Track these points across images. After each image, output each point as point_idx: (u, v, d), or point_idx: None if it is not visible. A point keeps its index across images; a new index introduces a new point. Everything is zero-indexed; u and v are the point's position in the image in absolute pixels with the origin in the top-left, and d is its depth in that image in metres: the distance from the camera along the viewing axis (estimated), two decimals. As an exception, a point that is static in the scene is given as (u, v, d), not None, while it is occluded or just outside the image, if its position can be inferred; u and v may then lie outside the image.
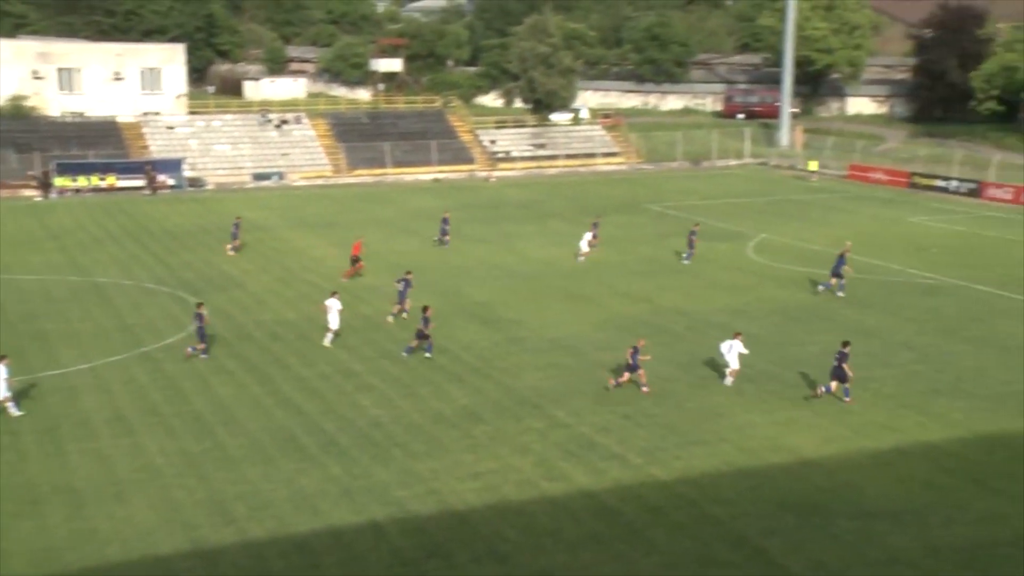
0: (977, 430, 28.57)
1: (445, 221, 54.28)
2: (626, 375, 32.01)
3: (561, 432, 28.92)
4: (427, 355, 35.27)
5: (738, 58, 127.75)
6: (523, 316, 40.51)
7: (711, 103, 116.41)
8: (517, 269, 48.68)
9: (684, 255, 50.32)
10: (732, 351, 32.23)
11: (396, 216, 63.49)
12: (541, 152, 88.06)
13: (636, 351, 31.86)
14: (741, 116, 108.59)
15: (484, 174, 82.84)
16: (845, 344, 31.43)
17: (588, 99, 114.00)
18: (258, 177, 78.32)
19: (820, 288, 43.87)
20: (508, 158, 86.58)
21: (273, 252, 52.23)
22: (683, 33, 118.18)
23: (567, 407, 30.75)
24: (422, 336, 35.30)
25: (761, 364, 34.35)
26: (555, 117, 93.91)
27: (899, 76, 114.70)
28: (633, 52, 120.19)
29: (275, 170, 79.61)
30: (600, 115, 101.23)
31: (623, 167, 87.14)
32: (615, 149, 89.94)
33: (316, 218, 62.32)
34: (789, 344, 36.55)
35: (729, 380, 32.50)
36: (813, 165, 78.65)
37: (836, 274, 43.45)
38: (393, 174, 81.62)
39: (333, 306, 36.76)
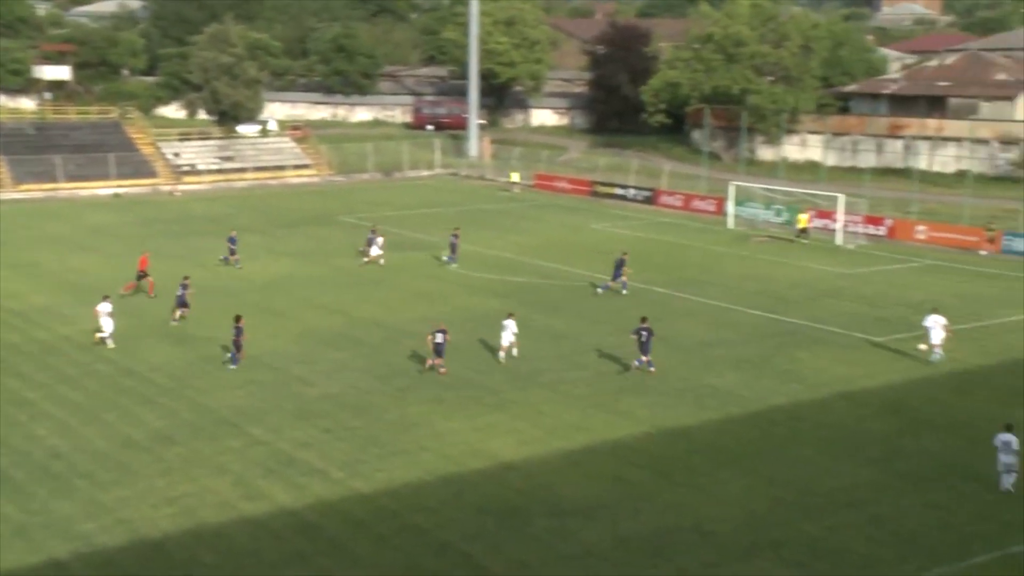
0: (660, 425, 30.38)
1: (232, 240, 52.04)
2: (435, 360, 34.43)
3: (260, 450, 28.30)
4: (231, 367, 34.92)
5: (425, 70, 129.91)
6: (217, 333, 39.31)
7: (400, 115, 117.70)
8: (209, 285, 47.18)
9: (446, 258, 52.24)
10: (507, 330, 35.65)
11: (72, 233, 59.98)
12: (229, 165, 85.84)
13: (444, 333, 34.44)
14: (430, 127, 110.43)
15: (169, 188, 79.79)
16: (644, 320, 35.15)
17: (276, 111, 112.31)
18: (-92, 193, 71.76)
19: (599, 290, 46.30)
20: (194, 171, 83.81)
21: (-69, 275, 48.03)
22: (369, 45, 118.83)
23: (266, 424, 30.14)
24: (239, 347, 35.21)
25: (459, 371, 35.05)
26: (242, 129, 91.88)
27: (577, 89, 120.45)
28: (320, 63, 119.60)
29: (-72, 185, 73.25)
30: (289, 127, 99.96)
31: (315, 179, 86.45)
32: (306, 161, 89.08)
33: (-20, 237, 57.82)
34: (485, 351, 37.48)
35: (501, 355, 35.88)
36: (515, 176, 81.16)
37: (616, 277, 46.27)
38: (67, 189, 77.05)
39: (103, 310, 37.22)
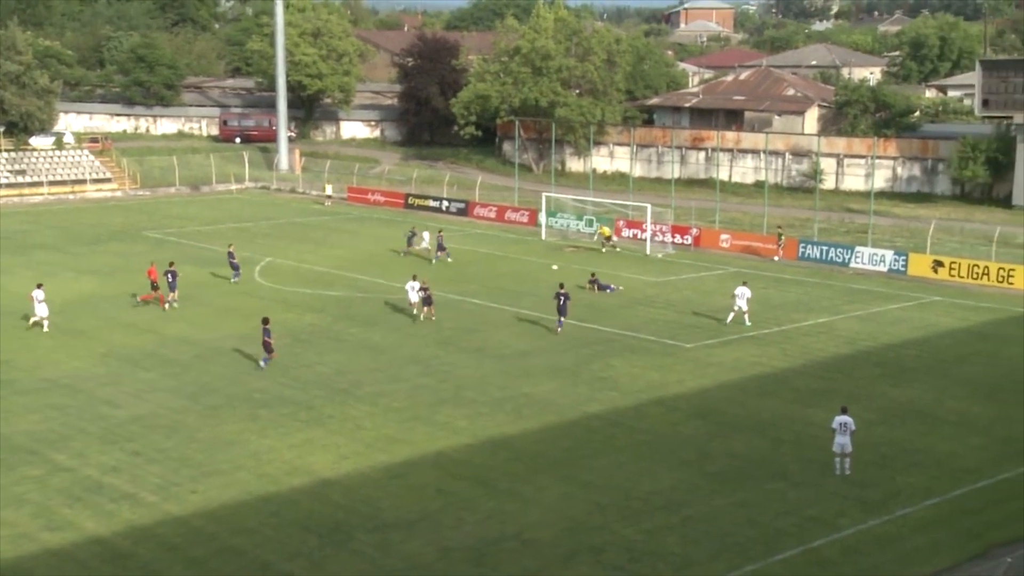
0: (480, 435, 30.55)
1: (231, 255, 50.97)
2: (426, 308, 43.08)
3: (63, 477, 26.99)
4: (261, 364, 36.28)
5: (231, 82, 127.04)
6: (11, 356, 37.37)
7: (206, 127, 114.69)
8: (1, 306, 44.81)
9: (443, 254, 54.84)
10: (413, 291, 43.55)
11: None
12: (21, 179, 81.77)
13: (425, 288, 43.09)
14: (238, 140, 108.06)
15: (-45, 203, 75.44)
16: (561, 286, 42.46)
17: (72, 122, 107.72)
18: None
19: (612, 288, 49.54)
20: (-17, 185, 79.49)
21: None
22: (171, 55, 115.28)
23: (69, 450, 28.79)
24: (269, 348, 36.37)
25: (274, 388, 34.39)
26: (35, 141, 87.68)
27: (388, 102, 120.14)
28: (118, 73, 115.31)
29: None
30: (87, 139, 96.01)
31: (117, 193, 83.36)
32: (107, 175, 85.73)
33: None
34: (299, 366, 36.92)
35: (415, 312, 43.69)
36: (329, 188, 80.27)
37: (605, 288, 49.62)
38: None
39: (37, 296, 40.69)
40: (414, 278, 44.27)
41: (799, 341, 41.35)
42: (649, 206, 62.73)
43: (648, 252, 60.87)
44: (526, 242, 64.36)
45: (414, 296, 43.76)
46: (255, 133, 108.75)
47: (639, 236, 63.20)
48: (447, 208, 75.72)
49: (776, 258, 58.90)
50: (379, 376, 35.90)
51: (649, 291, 50.57)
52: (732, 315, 43.23)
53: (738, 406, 33.38)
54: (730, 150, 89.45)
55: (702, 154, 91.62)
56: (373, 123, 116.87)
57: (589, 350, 39.64)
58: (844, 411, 28.17)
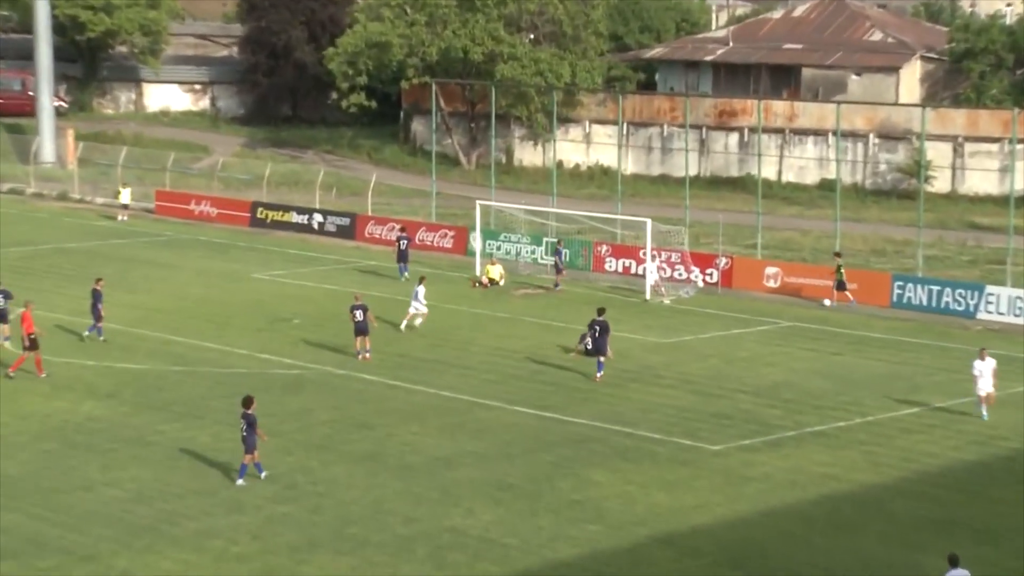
0: (371, 600, 30.28)
1: (96, 295, 51.81)
2: (358, 339, 49.85)
3: None
4: (260, 475, 36.85)
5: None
6: None
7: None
8: None
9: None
10: (418, 296, 53.33)
11: None
12: None
13: (362, 306, 50.08)
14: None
15: None
16: (600, 311, 47.96)
17: None
18: None
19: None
20: None
21: None
22: None
23: None
24: (253, 445, 36.54)
25: (28, 524, 33.78)
26: None
27: (223, 52, 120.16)
28: None
29: None
30: None
31: None
32: None
33: None
34: (73, 488, 36.30)
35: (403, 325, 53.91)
36: (125, 195, 79.70)
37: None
38: None
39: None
40: (356, 298, 51.19)
41: (897, 441, 41.51)
42: (649, 221, 62.89)
43: (648, 296, 60.98)
44: (449, 279, 64.30)
45: (420, 306, 54.06)
46: (1, 101, 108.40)
47: (634, 270, 63.26)
48: (321, 226, 75.48)
49: (827, 302, 59.03)
50: (208, 502, 35.46)
51: (650, 359, 50.65)
52: (985, 406, 43.50)
53: (795, 546, 33.37)
54: (780, 131, 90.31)
55: (734, 137, 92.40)
56: (198, 87, 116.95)
57: (553, 456, 39.51)
58: (954, 562, 27.49)
